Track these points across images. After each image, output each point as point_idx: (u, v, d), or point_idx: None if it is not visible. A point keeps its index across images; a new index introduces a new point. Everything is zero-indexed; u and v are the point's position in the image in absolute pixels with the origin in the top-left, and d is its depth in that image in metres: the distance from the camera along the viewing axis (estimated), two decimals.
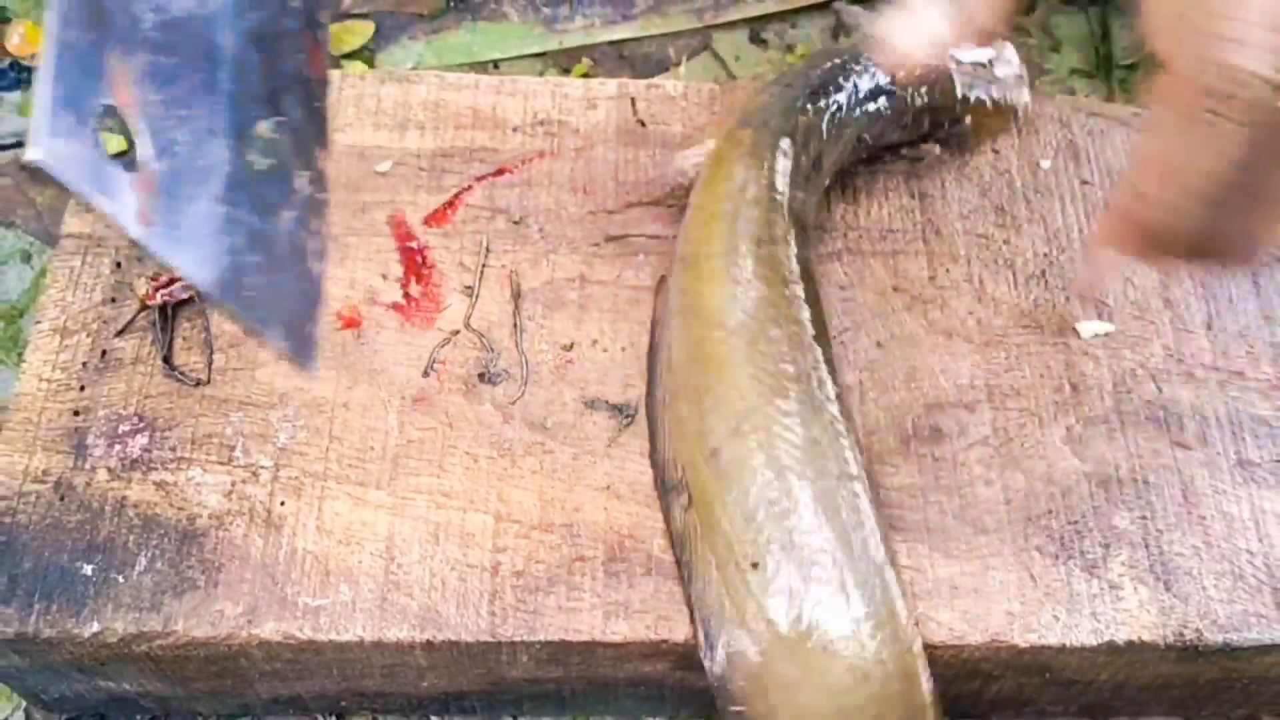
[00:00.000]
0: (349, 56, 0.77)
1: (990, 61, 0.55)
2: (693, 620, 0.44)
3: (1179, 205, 0.37)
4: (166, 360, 0.50)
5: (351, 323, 0.51)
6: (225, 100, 0.39)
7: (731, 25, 0.78)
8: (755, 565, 0.43)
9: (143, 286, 0.51)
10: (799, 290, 0.48)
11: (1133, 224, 0.39)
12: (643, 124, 0.58)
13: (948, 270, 0.54)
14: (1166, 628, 0.46)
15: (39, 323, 0.51)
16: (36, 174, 0.71)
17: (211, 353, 0.50)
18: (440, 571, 0.46)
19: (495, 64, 0.76)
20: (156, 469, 0.48)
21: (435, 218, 0.54)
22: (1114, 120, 0.60)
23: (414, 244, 0.54)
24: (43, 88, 0.33)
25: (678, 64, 0.76)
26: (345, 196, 0.55)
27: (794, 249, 0.49)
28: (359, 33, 0.77)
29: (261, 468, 0.48)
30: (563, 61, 0.77)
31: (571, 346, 0.51)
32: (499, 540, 0.47)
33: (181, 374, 0.50)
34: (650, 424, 0.49)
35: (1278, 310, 0.54)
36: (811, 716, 0.42)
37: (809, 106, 0.52)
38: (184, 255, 0.36)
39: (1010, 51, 0.57)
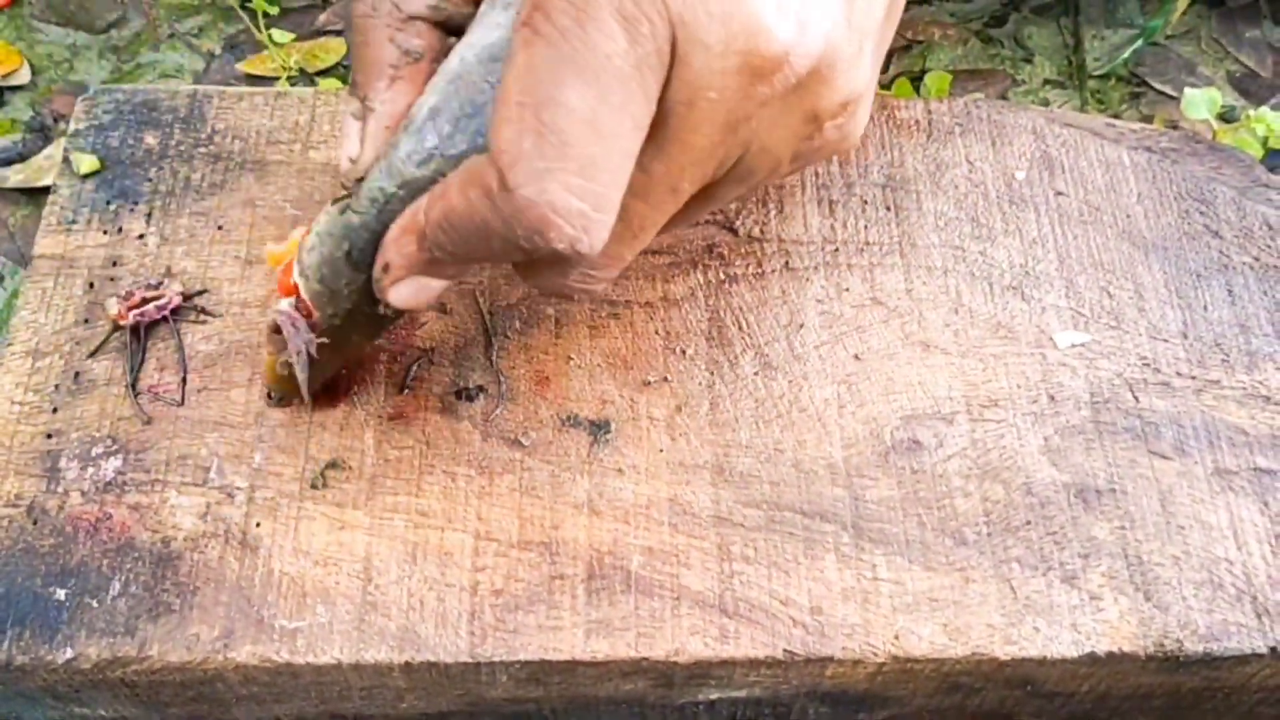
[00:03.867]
0: (323, 73, 0.77)
1: None
2: None
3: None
4: (132, 387, 0.49)
5: None
6: None
7: None
8: None
9: (114, 306, 0.51)
10: None
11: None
12: None
13: (924, 283, 0.54)
14: (1147, 638, 0.46)
15: (10, 345, 0.51)
16: (7, 195, 0.70)
17: (185, 373, 0.50)
18: (419, 591, 0.45)
19: None
20: (130, 491, 0.47)
21: None
22: (1087, 131, 0.60)
23: None
24: None
25: None
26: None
27: None
28: (333, 50, 0.77)
29: (236, 489, 0.47)
30: None
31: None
32: (478, 559, 0.46)
33: (139, 406, 0.49)
34: None
35: (1252, 318, 0.54)
36: None
37: None
38: None
39: None
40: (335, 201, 0.43)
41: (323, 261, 0.43)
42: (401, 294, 0.42)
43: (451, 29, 0.43)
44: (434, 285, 0.42)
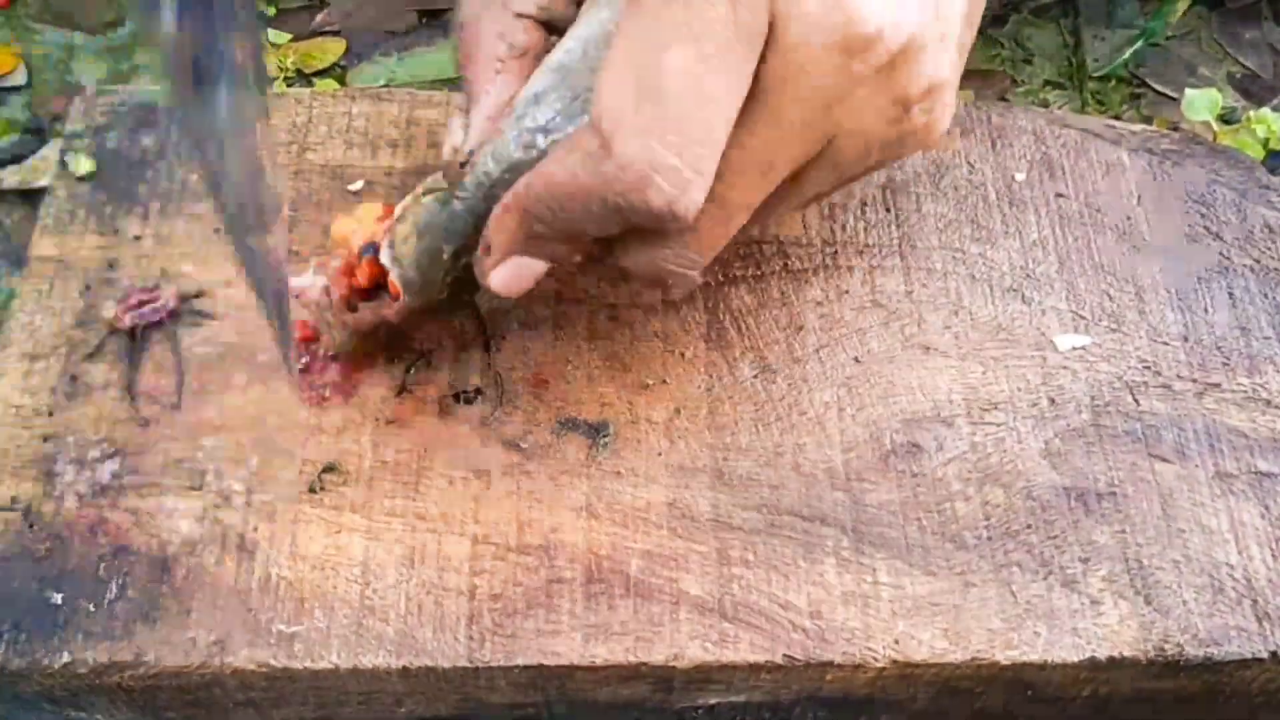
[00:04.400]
0: (320, 74, 0.77)
1: None
2: None
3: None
4: (129, 389, 0.49)
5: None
6: None
7: None
8: None
9: (111, 309, 0.50)
10: None
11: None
12: None
13: (924, 285, 0.54)
14: (1147, 642, 0.46)
15: (7, 348, 0.50)
16: (3, 196, 0.70)
17: (182, 376, 0.50)
18: (416, 596, 0.45)
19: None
20: (127, 495, 0.47)
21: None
22: (1088, 132, 0.60)
23: None
24: None
25: None
26: (317, 215, 0.54)
27: None
28: (330, 51, 0.77)
29: (234, 492, 0.47)
30: None
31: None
32: (476, 563, 0.46)
33: (136, 409, 0.49)
34: None
35: (1253, 321, 0.54)
36: None
37: None
38: None
39: None
40: (427, 193, 0.45)
41: (423, 252, 0.45)
42: (502, 277, 0.43)
43: (554, 29, 0.45)
44: (533, 268, 0.44)
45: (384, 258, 0.46)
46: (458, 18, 0.45)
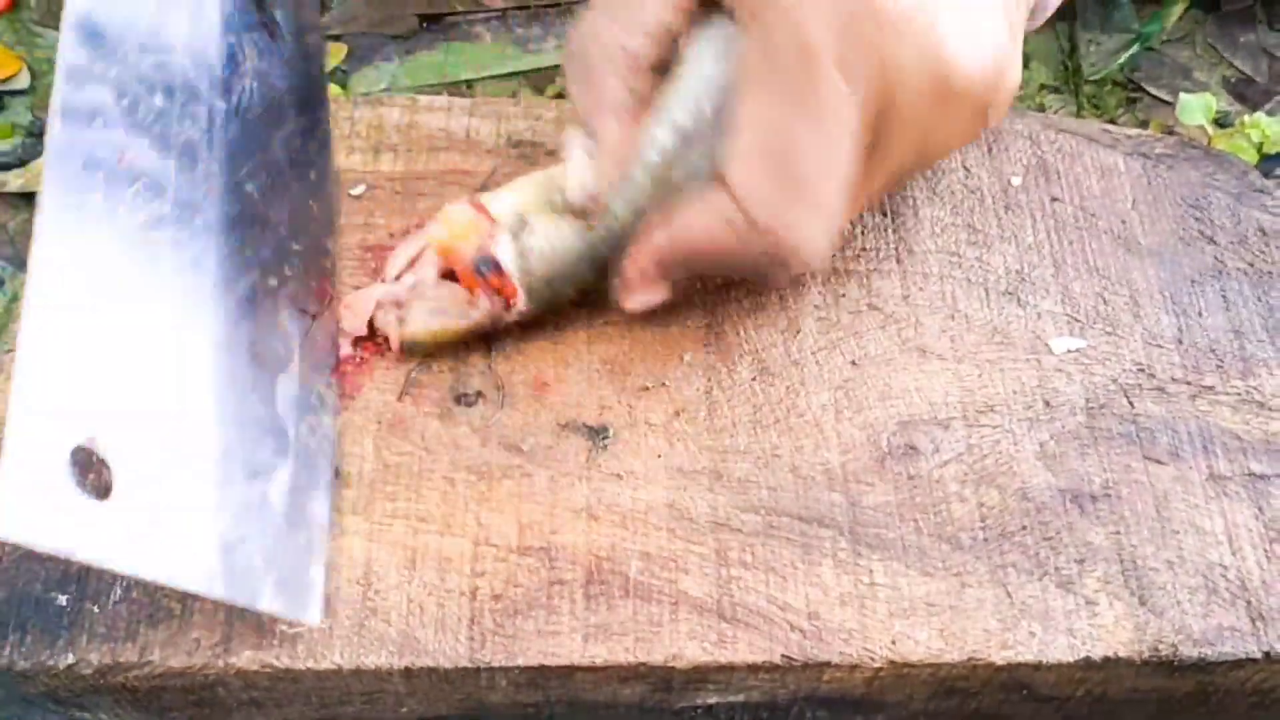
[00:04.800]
0: None
1: None
2: None
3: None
4: None
5: None
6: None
7: None
8: None
9: None
10: None
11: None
12: None
13: (921, 288, 0.55)
14: (1142, 643, 0.46)
15: (11, 350, 0.51)
16: (7, 199, 0.70)
17: None
18: (418, 597, 0.46)
19: (469, 84, 0.76)
20: None
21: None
22: (1083, 136, 0.60)
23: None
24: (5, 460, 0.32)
25: None
26: None
27: None
28: (331, 55, 0.78)
29: None
30: (536, 81, 0.77)
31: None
32: (477, 564, 0.46)
33: None
34: None
35: (1247, 324, 0.55)
36: None
37: None
38: (172, 565, 0.36)
39: None
40: (552, 208, 0.49)
41: (559, 272, 0.49)
42: (637, 300, 0.49)
43: (662, 70, 0.47)
44: (662, 291, 0.49)
45: (510, 266, 0.49)
46: (572, 47, 0.47)
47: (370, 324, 0.51)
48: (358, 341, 0.51)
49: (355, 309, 0.51)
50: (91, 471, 0.35)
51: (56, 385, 0.34)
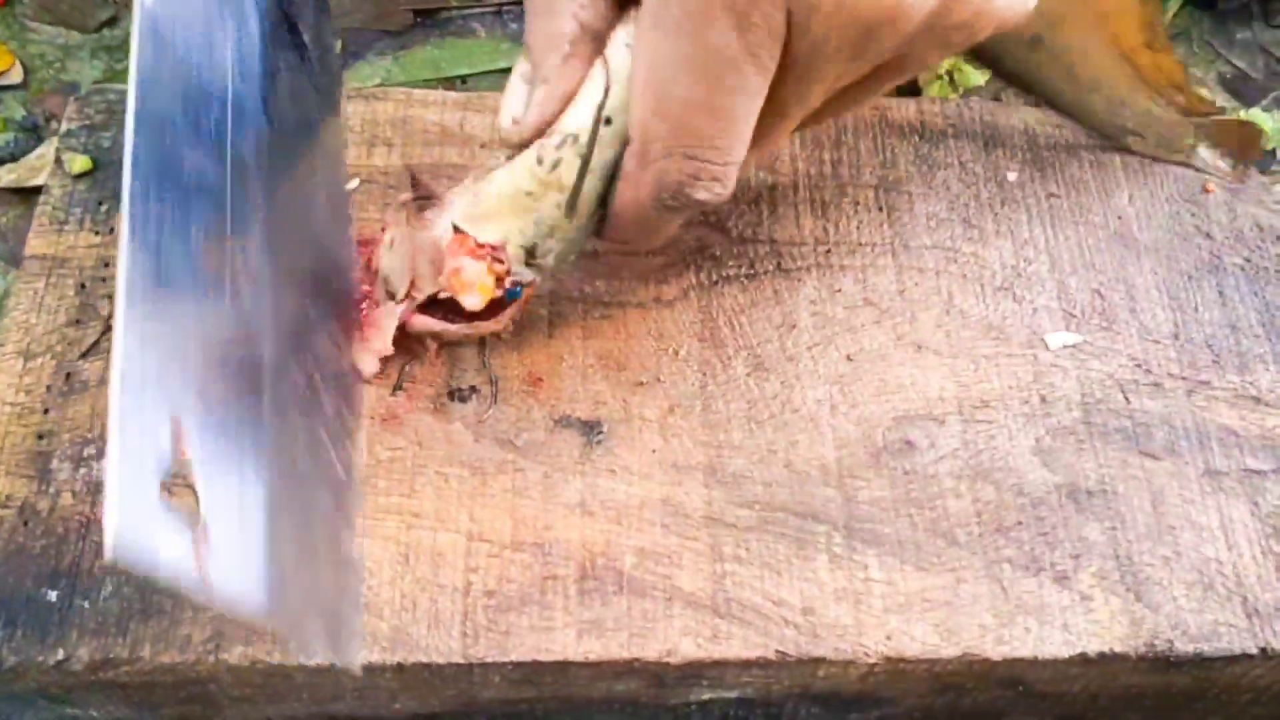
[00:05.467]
0: None
1: None
2: None
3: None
4: None
5: None
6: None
7: None
8: None
9: (106, 307, 0.50)
10: None
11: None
12: None
13: (916, 283, 0.54)
14: (1138, 638, 0.46)
15: (2, 345, 0.50)
16: None
17: None
18: (411, 593, 0.45)
19: (463, 79, 0.76)
20: None
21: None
22: (1079, 131, 0.60)
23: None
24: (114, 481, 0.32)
25: None
26: None
27: None
28: None
29: None
30: None
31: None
32: (470, 560, 0.46)
33: None
34: None
35: (1243, 320, 0.54)
36: None
37: None
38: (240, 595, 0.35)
39: None
40: (544, 212, 0.46)
41: (572, 250, 0.47)
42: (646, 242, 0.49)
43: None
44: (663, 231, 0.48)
45: (523, 277, 0.48)
46: None
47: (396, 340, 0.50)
48: (386, 361, 0.50)
49: (380, 328, 0.50)
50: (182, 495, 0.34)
51: (152, 400, 0.34)
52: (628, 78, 0.43)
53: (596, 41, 0.44)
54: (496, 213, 0.46)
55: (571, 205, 0.45)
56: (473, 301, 0.48)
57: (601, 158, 0.44)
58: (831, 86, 0.43)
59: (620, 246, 0.50)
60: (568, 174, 0.44)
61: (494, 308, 0.48)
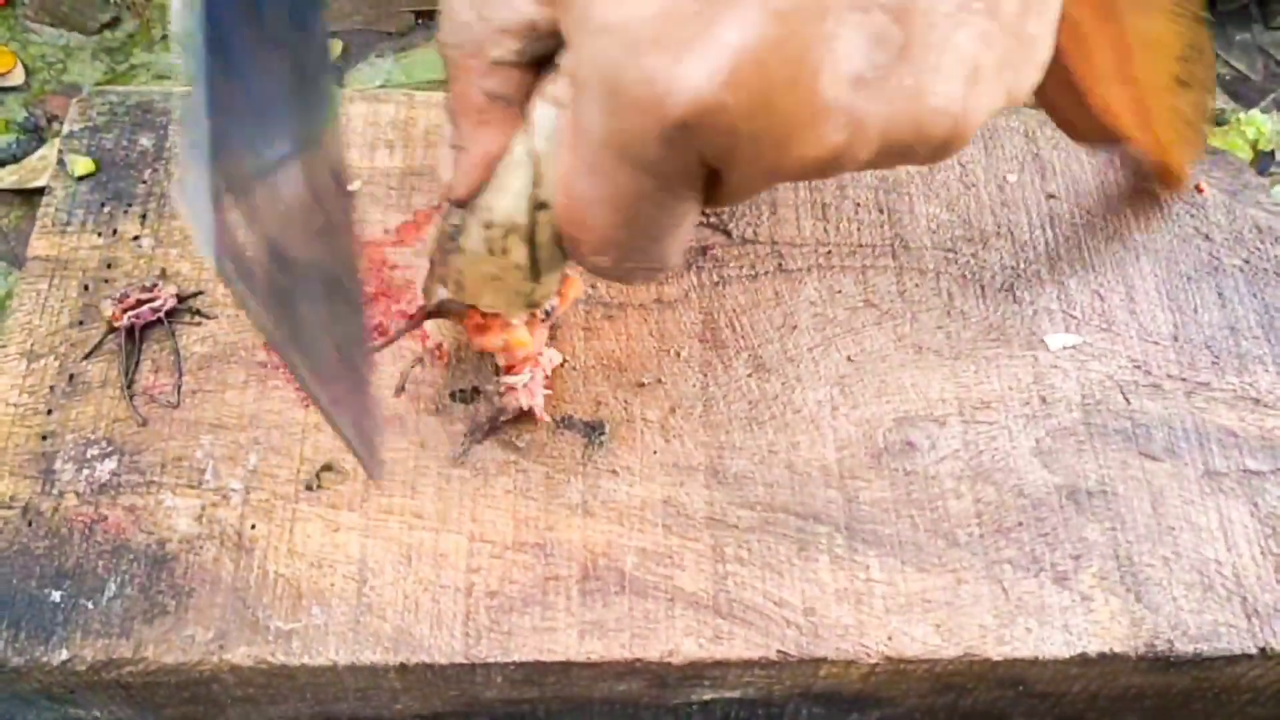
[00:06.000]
0: None
1: None
2: None
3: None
4: (127, 389, 0.50)
5: None
6: None
7: None
8: None
9: (109, 308, 0.51)
10: None
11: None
12: None
13: (917, 285, 0.55)
14: (1138, 638, 0.46)
15: (5, 347, 0.51)
16: (1, 196, 0.70)
17: (181, 375, 0.50)
18: (413, 593, 0.46)
19: None
20: (125, 493, 0.47)
21: (405, 236, 0.54)
22: None
23: (386, 264, 0.53)
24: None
25: None
26: None
27: None
28: None
29: (232, 490, 0.47)
30: None
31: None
32: (472, 560, 0.46)
33: (135, 407, 0.49)
34: None
35: (1242, 321, 0.55)
36: None
37: None
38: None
39: None
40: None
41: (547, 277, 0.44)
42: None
43: (543, 62, 0.41)
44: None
45: (550, 305, 0.47)
46: (439, 36, 0.42)
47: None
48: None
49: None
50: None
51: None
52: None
53: (511, 107, 0.41)
54: (479, 292, 0.44)
55: (535, 273, 0.43)
56: (548, 361, 0.49)
57: (546, 234, 0.42)
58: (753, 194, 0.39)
59: None
60: (519, 254, 0.42)
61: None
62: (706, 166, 0.35)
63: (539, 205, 0.40)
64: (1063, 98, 0.51)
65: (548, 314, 0.48)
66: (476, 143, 0.41)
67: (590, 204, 0.37)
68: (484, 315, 0.46)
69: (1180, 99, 0.56)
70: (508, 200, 0.41)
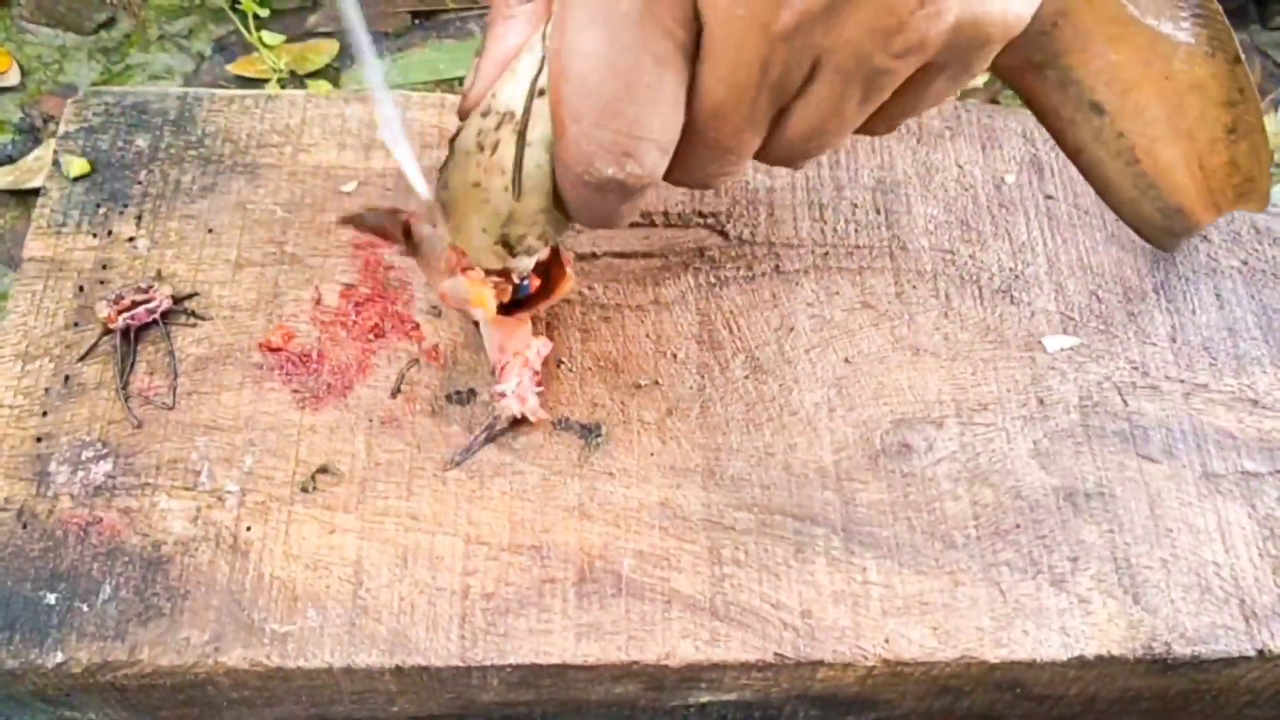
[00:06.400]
0: (314, 75, 0.77)
1: None
2: None
3: None
4: (122, 390, 0.49)
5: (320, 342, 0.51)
6: None
7: None
8: None
9: (104, 310, 0.50)
10: None
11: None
12: None
13: (914, 286, 0.54)
14: (1135, 641, 0.46)
15: (0, 348, 0.50)
16: None
17: (176, 377, 0.50)
18: (409, 595, 0.45)
19: (461, 81, 0.76)
20: (120, 495, 0.47)
21: None
22: None
23: (382, 266, 0.53)
24: None
25: None
26: (311, 216, 0.55)
27: None
28: (323, 52, 0.77)
29: (227, 492, 0.47)
30: None
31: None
32: (468, 563, 0.46)
33: (130, 409, 0.49)
34: None
35: (1240, 322, 0.55)
36: None
37: None
38: None
39: None
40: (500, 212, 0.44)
41: (547, 224, 0.45)
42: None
43: None
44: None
45: (522, 269, 0.46)
46: None
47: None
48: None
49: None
50: None
51: None
52: None
53: (540, 12, 0.42)
54: (457, 212, 0.44)
55: (516, 184, 0.42)
56: (482, 313, 0.47)
57: (540, 130, 0.41)
58: (762, 79, 0.39)
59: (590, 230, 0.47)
60: (507, 154, 0.42)
61: (527, 301, 0.48)
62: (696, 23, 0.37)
63: (539, 92, 0.40)
64: (1111, 163, 0.49)
65: (519, 291, 0.47)
66: (498, 41, 0.42)
67: (579, 46, 0.38)
68: (456, 250, 0.45)
69: (1235, 150, 0.51)
70: (510, 86, 0.41)
